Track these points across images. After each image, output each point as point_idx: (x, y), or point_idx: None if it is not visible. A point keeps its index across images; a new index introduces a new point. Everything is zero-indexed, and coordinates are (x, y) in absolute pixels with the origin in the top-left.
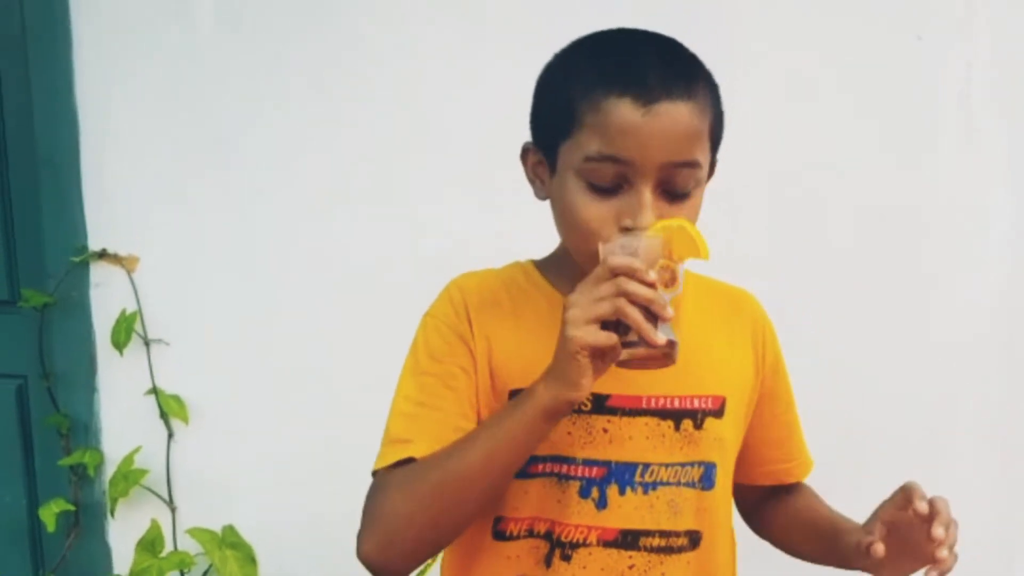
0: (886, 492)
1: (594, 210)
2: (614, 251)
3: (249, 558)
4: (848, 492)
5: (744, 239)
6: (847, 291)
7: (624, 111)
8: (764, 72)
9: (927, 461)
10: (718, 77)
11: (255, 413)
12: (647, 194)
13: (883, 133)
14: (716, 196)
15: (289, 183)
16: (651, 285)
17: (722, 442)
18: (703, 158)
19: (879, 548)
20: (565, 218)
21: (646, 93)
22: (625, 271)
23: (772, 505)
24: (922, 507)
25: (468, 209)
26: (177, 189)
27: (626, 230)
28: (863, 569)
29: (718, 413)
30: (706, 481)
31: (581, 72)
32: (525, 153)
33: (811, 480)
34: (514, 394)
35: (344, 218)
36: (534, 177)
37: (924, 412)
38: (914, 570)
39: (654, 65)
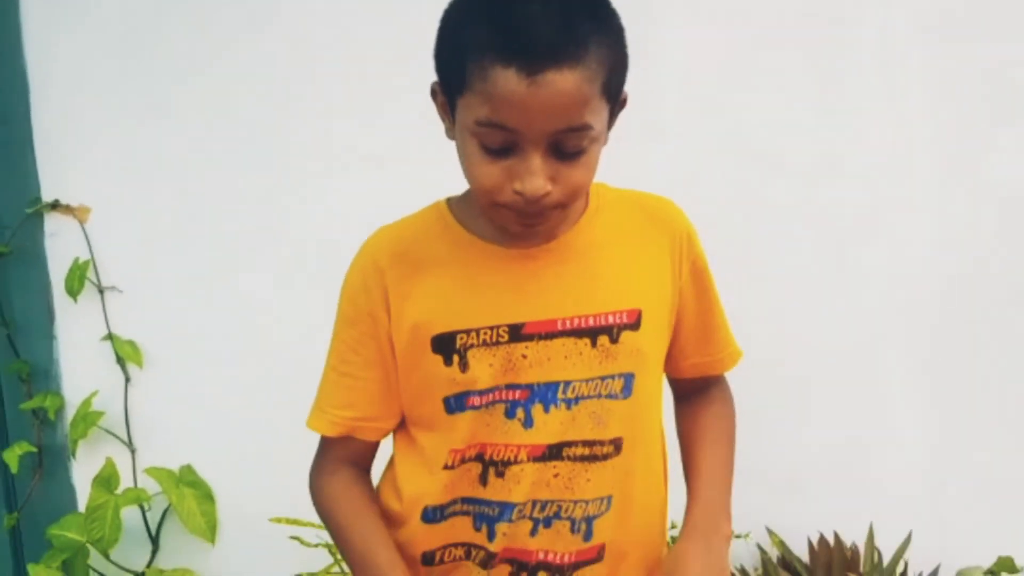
0: (825, 430)
1: (488, 171)
2: None
3: (207, 496)
4: (789, 431)
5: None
6: (772, 235)
7: (509, 82)
8: (683, 14)
9: (861, 399)
10: (638, 26)
11: (208, 356)
12: (536, 160)
13: (804, 76)
14: (639, 150)
15: (236, 134)
16: None
17: (640, 352)
18: (594, 119)
19: None
20: (465, 171)
21: (531, 63)
22: None
23: (693, 403)
24: None
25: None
26: (126, 141)
27: (519, 192)
28: None
29: (634, 326)
30: (626, 391)
31: (472, 31)
32: (434, 93)
33: (756, 422)
34: (437, 339)
35: (292, 168)
36: (443, 116)
37: (856, 351)
38: None
39: (543, 29)
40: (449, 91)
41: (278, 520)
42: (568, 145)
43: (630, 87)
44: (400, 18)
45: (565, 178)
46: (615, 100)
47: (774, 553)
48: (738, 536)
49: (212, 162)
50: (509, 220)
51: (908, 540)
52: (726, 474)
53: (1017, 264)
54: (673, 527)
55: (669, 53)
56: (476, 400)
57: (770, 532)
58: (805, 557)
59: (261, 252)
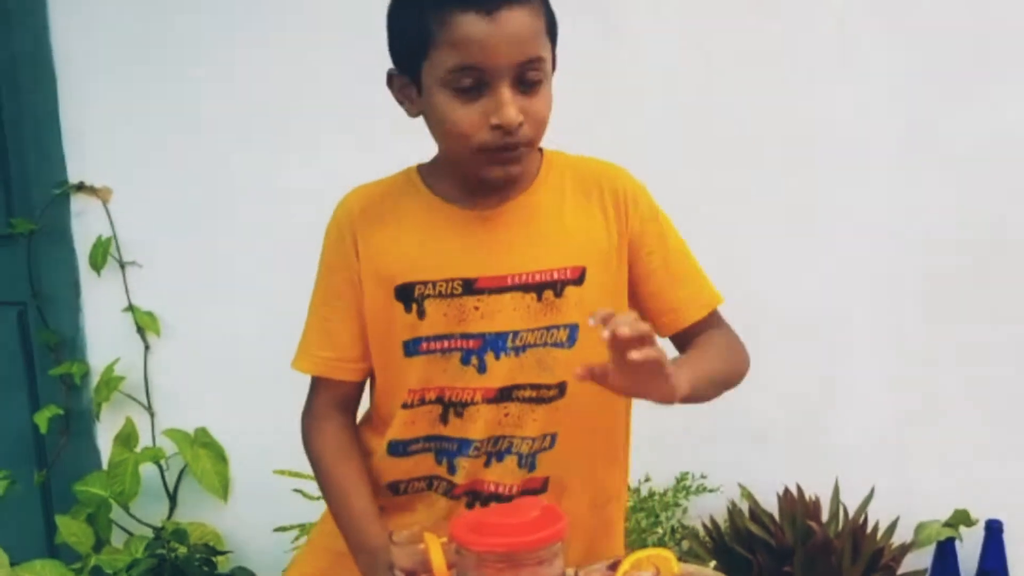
0: (794, 389)
1: (464, 114)
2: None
3: (220, 456)
4: (759, 391)
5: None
6: (735, 210)
7: (472, 23)
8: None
9: (827, 359)
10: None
11: (221, 325)
12: (506, 93)
13: (765, 53)
14: (603, 126)
15: (248, 119)
16: None
17: (583, 305)
18: (546, 53)
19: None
20: (441, 128)
21: (487, 3)
22: None
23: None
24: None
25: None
26: (145, 128)
27: (497, 126)
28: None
29: (578, 281)
30: (571, 340)
31: None
32: (390, 79)
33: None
34: (399, 289)
35: (303, 148)
36: (403, 99)
37: (821, 312)
38: (651, 380)
39: None
40: (411, 62)
41: (281, 472)
42: (529, 76)
43: (594, 68)
44: None
45: (531, 111)
46: (554, 47)
47: (745, 507)
48: (710, 490)
49: (225, 146)
50: (486, 165)
51: (871, 495)
52: (705, 365)
53: (975, 227)
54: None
55: (634, 33)
56: (429, 345)
57: (741, 487)
58: (775, 511)
59: (271, 228)
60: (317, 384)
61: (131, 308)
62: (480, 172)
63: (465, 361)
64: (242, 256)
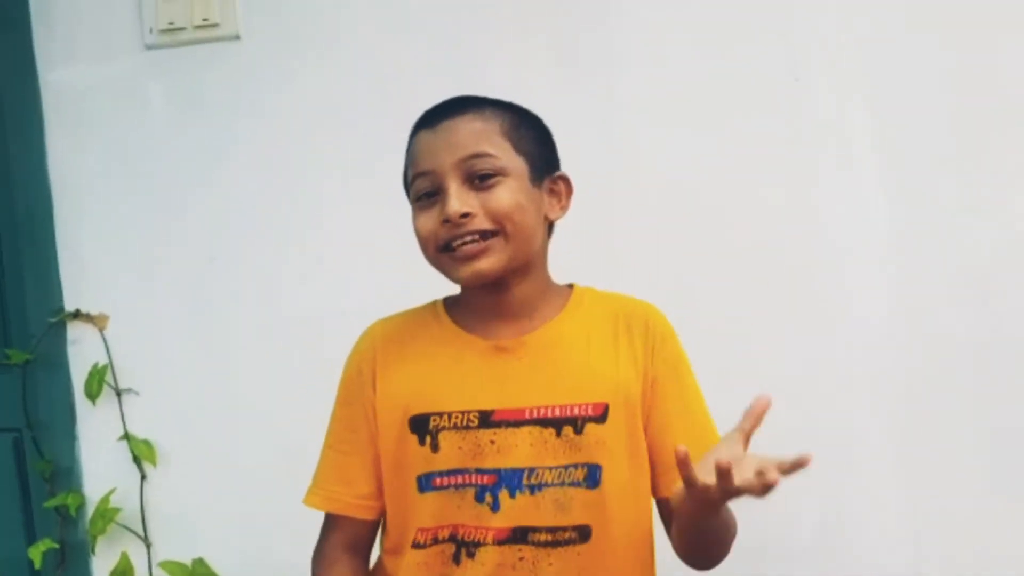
0: (799, 500)
1: (423, 220)
2: None
3: None
4: (769, 513)
5: (636, 278)
6: (739, 320)
7: (421, 138)
8: (648, 113)
9: (833, 464)
10: (602, 122)
11: (218, 453)
12: (452, 188)
13: (765, 170)
14: (609, 244)
15: (241, 243)
16: None
17: (604, 445)
18: (496, 151)
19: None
20: (419, 243)
21: (432, 120)
22: None
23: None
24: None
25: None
26: (141, 254)
27: (445, 220)
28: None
29: (600, 419)
30: (590, 481)
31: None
32: None
33: (738, 504)
34: (414, 420)
35: (290, 276)
36: None
37: (827, 423)
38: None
39: (444, 103)
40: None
41: None
42: (477, 170)
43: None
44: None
45: (486, 204)
46: (527, 151)
47: None
48: None
49: (223, 272)
50: (451, 265)
51: None
52: (727, 519)
53: (981, 327)
54: None
55: (621, 138)
56: (442, 480)
57: None
58: None
59: (269, 356)
60: (329, 524)
61: (127, 436)
62: (451, 274)
63: (479, 498)
64: (241, 383)
